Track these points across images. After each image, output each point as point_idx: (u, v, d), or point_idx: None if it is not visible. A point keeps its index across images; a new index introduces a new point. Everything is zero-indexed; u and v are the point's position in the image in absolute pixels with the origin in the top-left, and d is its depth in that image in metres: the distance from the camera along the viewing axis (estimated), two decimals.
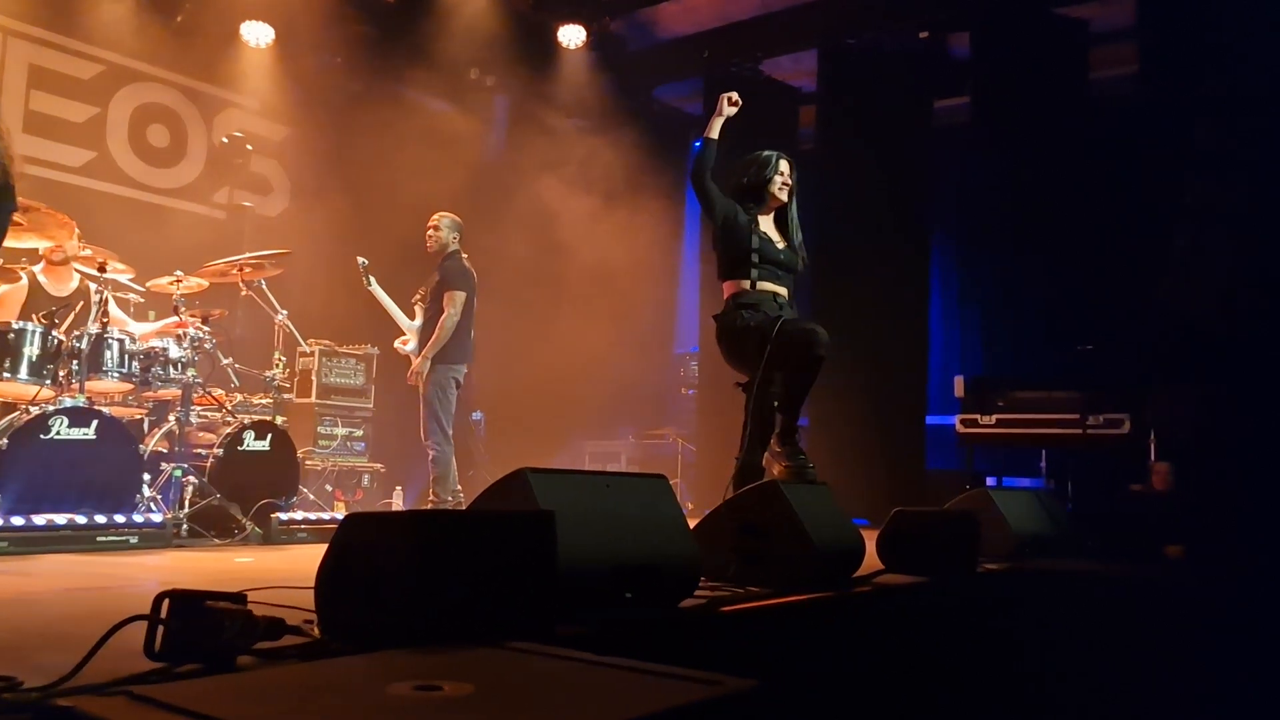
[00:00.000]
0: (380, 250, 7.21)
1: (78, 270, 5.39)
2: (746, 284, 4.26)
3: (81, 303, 5.22)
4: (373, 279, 6.18)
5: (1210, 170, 6.47)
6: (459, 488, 6.00)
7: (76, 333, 4.75)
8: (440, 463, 5.90)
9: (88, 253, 5.11)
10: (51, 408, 4.40)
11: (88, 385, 4.68)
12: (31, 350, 4.60)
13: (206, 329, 5.33)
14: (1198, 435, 6.04)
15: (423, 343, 6.05)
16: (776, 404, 4.19)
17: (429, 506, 5.92)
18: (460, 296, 5.99)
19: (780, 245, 4.42)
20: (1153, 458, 6.14)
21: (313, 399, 6.89)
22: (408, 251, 6.78)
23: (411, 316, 6.25)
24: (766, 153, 4.49)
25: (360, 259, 6.20)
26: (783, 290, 4.37)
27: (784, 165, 4.47)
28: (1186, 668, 3.80)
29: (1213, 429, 5.99)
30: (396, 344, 6.26)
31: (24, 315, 5.01)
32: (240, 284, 5.79)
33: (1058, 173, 7.39)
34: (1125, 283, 6.76)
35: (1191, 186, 6.54)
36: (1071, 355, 6.56)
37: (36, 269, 5.33)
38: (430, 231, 6.20)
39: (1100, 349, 6.49)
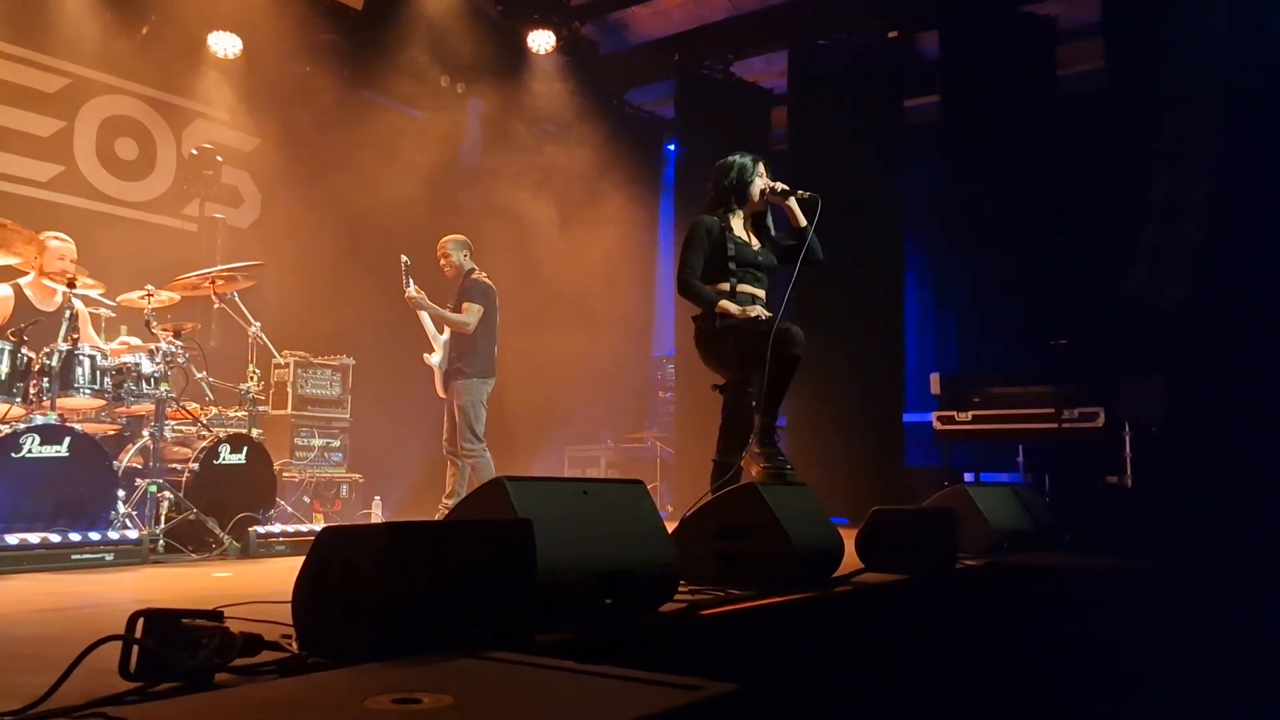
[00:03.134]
0: (354, 258, 7.19)
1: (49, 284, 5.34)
2: (726, 287, 4.28)
3: (40, 320, 5.13)
4: (412, 280, 6.15)
5: (1177, 163, 6.54)
6: None
7: (47, 349, 4.70)
8: (482, 468, 6.01)
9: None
10: (22, 425, 4.34)
11: (59, 402, 4.63)
12: (0, 368, 4.55)
13: (179, 343, 5.28)
14: (1166, 425, 6.10)
15: (450, 359, 6.13)
16: (754, 404, 4.20)
17: None
18: (476, 308, 6.09)
19: (756, 247, 4.43)
20: (1127, 450, 6.20)
21: (289, 411, 6.85)
22: (381, 259, 6.75)
23: (440, 330, 6.27)
24: (745, 157, 4.49)
25: (404, 258, 6.17)
26: (760, 292, 4.39)
27: (762, 168, 4.49)
28: (1166, 658, 3.84)
29: (1180, 419, 6.06)
30: (425, 357, 6.30)
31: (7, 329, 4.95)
32: (213, 297, 5.75)
33: (1028, 169, 7.46)
34: (1097, 276, 6.83)
35: (1158, 179, 6.62)
36: (1046, 350, 6.61)
37: (24, 281, 5.27)
38: (441, 260, 6.31)
39: (1074, 343, 6.54)
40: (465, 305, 6.11)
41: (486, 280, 6.28)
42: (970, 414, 6.85)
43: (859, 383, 7.99)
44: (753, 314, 4.16)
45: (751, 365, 4.12)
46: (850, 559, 3.58)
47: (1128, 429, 6.22)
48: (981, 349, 7.78)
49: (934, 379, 7.08)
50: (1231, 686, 3.80)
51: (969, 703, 3.40)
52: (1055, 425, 6.42)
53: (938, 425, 6.99)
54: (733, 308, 4.18)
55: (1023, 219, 7.39)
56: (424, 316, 6.26)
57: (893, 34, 8.60)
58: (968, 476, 7.36)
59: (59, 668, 1.57)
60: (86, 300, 5.28)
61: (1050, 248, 7.27)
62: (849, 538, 3.61)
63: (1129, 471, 6.14)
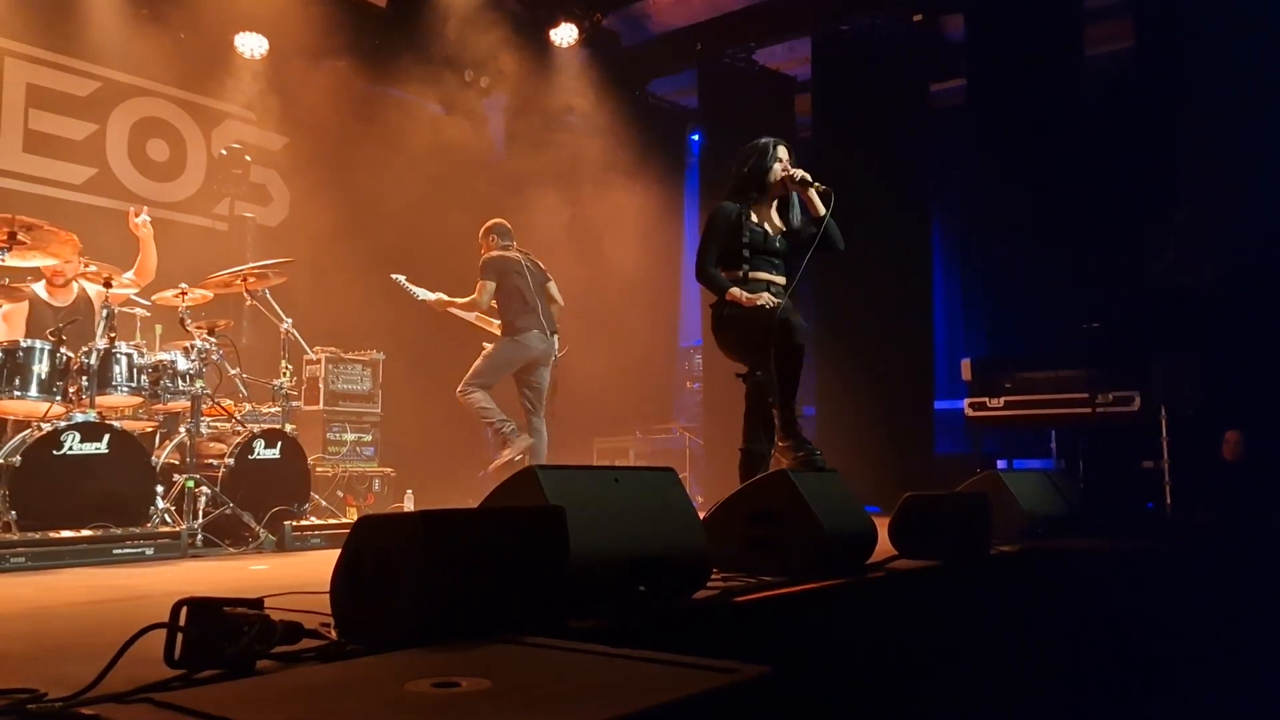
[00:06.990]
0: (381, 253, 7.23)
1: (79, 282, 5.44)
2: (739, 274, 4.28)
3: (78, 319, 5.23)
4: (413, 288, 6.55)
5: (1206, 143, 6.45)
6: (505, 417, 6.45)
7: (85, 348, 4.77)
8: (471, 405, 6.36)
9: (93, 269, 5.14)
10: (63, 424, 4.42)
11: (98, 400, 4.70)
12: (40, 368, 4.63)
13: (213, 340, 5.35)
14: (1204, 407, 6.02)
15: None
16: (771, 398, 4.19)
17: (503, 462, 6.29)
18: (487, 285, 6.44)
19: (774, 233, 4.41)
20: (1164, 434, 6.11)
21: (321, 406, 6.92)
22: (408, 253, 6.81)
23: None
24: (764, 140, 4.47)
25: (395, 277, 6.53)
26: (778, 278, 4.37)
27: (782, 151, 4.45)
28: (1202, 642, 3.80)
29: (1219, 400, 5.98)
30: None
31: (29, 331, 5.05)
32: (244, 294, 5.80)
33: (1056, 151, 7.36)
34: (1128, 258, 6.74)
35: (1188, 159, 6.52)
36: (1078, 334, 6.53)
37: (38, 285, 5.37)
38: None
39: (1106, 326, 6.46)
40: (477, 285, 6.45)
41: (494, 254, 6.52)
42: (1002, 400, 6.78)
43: (889, 370, 7.94)
44: (760, 301, 4.15)
45: (757, 354, 4.13)
46: (884, 546, 3.56)
47: (1164, 412, 6.13)
48: (1011, 335, 7.69)
49: (965, 365, 7.01)
50: (1272, 668, 3.76)
51: (1004, 687, 3.39)
52: (1089, 410, 6.33)
53: (970, 412, 6.92)
54: (740, 295, 4.18)
55: (1051, 202, 7.29)
56: (434, 297, 6.58)
57: (917, 17, 8.50)
58: (1000, 464, 7.29)
59: (105, 656, 1.60)
60: (124, 300, 5.36)
61: (1080, 230, 7.17)
62: (882, 526, 3.60)
63: (1166, 455, 6.05)
